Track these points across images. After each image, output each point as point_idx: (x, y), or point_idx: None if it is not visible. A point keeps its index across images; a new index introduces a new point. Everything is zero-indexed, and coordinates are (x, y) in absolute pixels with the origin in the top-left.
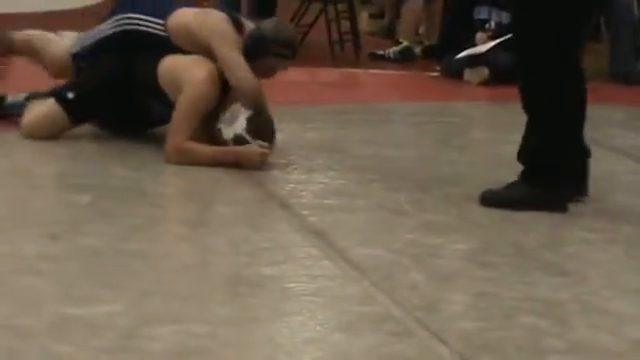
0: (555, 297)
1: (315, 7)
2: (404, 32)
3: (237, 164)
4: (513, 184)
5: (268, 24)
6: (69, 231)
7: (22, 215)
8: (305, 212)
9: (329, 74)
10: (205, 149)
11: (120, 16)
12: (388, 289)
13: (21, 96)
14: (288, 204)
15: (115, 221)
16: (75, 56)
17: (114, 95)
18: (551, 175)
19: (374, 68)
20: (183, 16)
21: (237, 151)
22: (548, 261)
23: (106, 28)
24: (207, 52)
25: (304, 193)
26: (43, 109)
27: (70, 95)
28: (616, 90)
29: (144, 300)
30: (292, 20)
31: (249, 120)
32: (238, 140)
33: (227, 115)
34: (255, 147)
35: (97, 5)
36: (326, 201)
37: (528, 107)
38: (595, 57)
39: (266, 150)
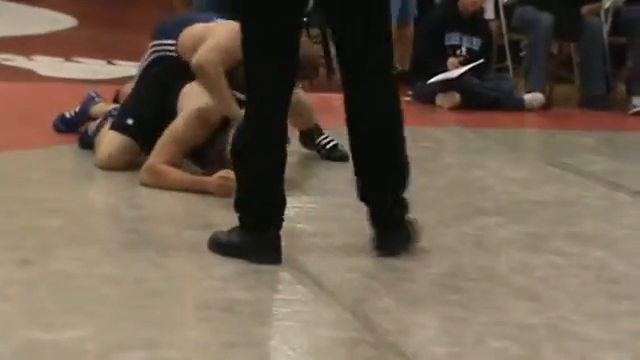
0: (525, 322)
1: None
2: None
3: (205, 192)
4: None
5: None
6: (39, 256)
7: None
8: None
9: None
10: (176, 174)
11: (152, 43)
12: (361, 313)
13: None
14: None
15: (86, 246)
16: None
17: (163, 115)
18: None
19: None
20: (189, 32)
21: (204, 181)
22: (518, 285)
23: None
24: None
25: None
26: (111, 143)
27: (129, 121)
28: (586, 116)
29: (115, 325)
30: None
31: None
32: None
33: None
34: (221, 173)
35: (67, 30)
36: (299, 225)
37: None
38: (565, 83)
39: (229, 175)
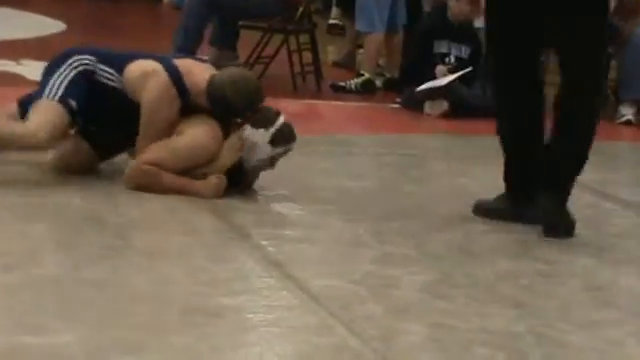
0: (511, 329)
1: (277, 39)
2: (365, 64)
3: (195, 194)
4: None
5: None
6: (24, 261)
7: None
8: (264, 242)
9: (291, 105)
10: (167, 177)
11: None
12: (346, 320)
13: None
14: (247, 234)
15: (71, 251)
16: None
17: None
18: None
19: (335, 100)
20: (131, 72)
21: (195, 185)
22: (504, 293)
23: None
24: None
25: (263, 223)
26: (69, 145)
27: (92, 128)
28: None
29: (100, 330)
30: (253, 52)
31: (273, 140)
32: (273, 160)
33: (247, 146)
34: (212, 178)
35: (55, 34)
36: (285, 232)
37: None
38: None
39: (222, 180)
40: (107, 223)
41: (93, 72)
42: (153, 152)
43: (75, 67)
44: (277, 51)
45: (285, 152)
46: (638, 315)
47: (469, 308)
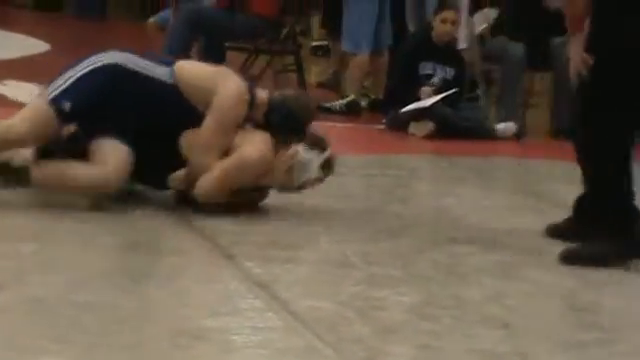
0: (497, 350)
1: (262, 60)
2: (350, 85)
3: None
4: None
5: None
6: (14, 281)
7: None
8: (249, 263)
9: None
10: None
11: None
12: (332, 341)
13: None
14: (232, 255)
15: (60, 272)
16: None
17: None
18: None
19: (321, 120)
20: (198, 69)
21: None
22: (490, 314)
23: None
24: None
25: (249, 244)
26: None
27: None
28: (558, 145)
29: (88, 351)
30: (239, 72)
31: (323, 164)
32: (314, 183)
33: (299, 164)
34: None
35: (40, 54)
36: (271, 252)
37: None
38: (538, 113)
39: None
40: (96, 244)
41: (121, 65)
42: (220, 168)
43: (92, 63)
44: (262, 72)
45: (322, 181)
46: (622, 335)
47: (455, 329)
